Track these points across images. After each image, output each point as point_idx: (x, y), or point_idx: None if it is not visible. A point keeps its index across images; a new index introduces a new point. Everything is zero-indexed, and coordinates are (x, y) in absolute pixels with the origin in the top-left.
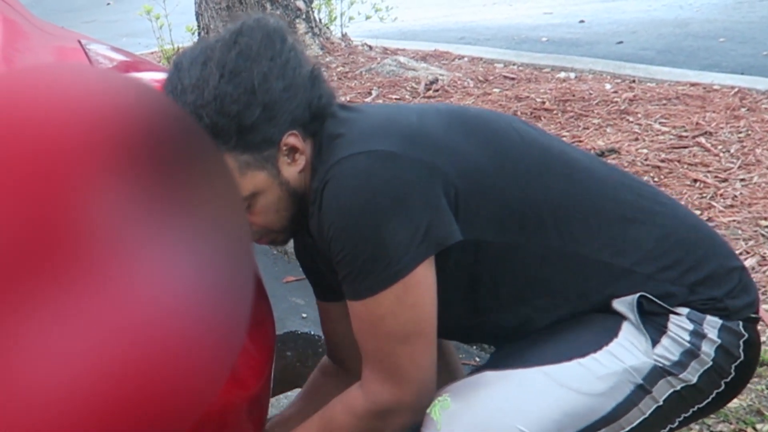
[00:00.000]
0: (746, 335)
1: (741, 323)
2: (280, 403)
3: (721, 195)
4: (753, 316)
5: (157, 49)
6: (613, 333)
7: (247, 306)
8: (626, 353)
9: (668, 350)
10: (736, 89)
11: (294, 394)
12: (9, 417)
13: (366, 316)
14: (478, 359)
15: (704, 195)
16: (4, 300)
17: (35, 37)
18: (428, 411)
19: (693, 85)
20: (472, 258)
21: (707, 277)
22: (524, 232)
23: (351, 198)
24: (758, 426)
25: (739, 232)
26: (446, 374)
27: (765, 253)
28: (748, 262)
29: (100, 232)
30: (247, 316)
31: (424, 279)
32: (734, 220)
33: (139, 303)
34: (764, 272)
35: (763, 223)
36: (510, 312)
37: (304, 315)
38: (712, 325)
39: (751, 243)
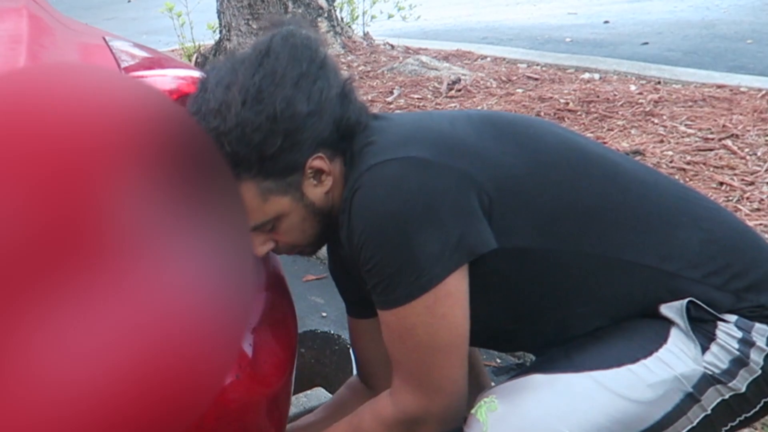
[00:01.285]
0: None
1: None
2: (299, 402)
3: (747, 198)
4: None
5: (178, 46)
6: (662, 339)
7: (246, 309)
8: (676, 360)
9: (717, 358)
10: (763, 91)
11: (314, 393)
12: (19, 413)
13: (396, 326)
14: (499, 360)
15: (730, 198)
16: (15, 300)
17: (60, 33)
18: (473, 411)
19: (719, 87)
20: (511, 265)
21: (754, 283)
22: (563, 238)
23: (381, 205)
24: None
25: (766, 236)
26: (469, 377)
27: None
28: None
29: (111, 233)
30: (246, 318)
31: (455, 289)
32: (761, 224)
33: (146, 303)
34: None
35: None
36: (550, 319)
37: (324, 314)
38: (760, 333)
39: None
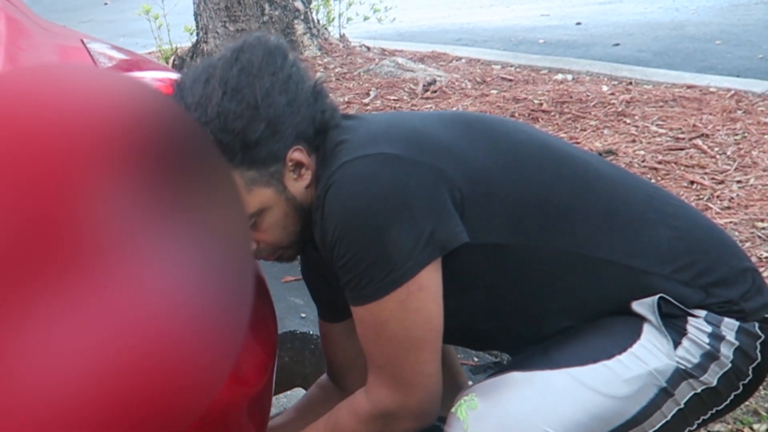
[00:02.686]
0: (763, 336)
1: (757, 324)
2: (279, 402)
3: (717, 197)
4: None
5: (156, 49)
6: (635, 335)
7: (247, 309)
8: (650, 355)
9: (689, 352)
10: (732, 92)
11: (293, 393)
12: (14, 414)
13: (370, 321)
14: (476, 359)
15: (701, 197)
16: (9, 299)
17: (38, 35)
18: (453, 410)
19: (689, 87)
20: (484, 261)
21: (722, 278)
22: (535, 234)
23: (353, 201)
24: (755, 426)
25: (736, 234)
26: (446, 376)
27: (762, 255)
28: None
29: (104, 233)
30: (247, 319)
31: (428, 283)
32: (731, 222)
33: (142, 304)
34: (762, 273)
35: (760, 225)
36: (524, 316)
37: (303, 314)
38: (729, 327)
39: (747, 245)
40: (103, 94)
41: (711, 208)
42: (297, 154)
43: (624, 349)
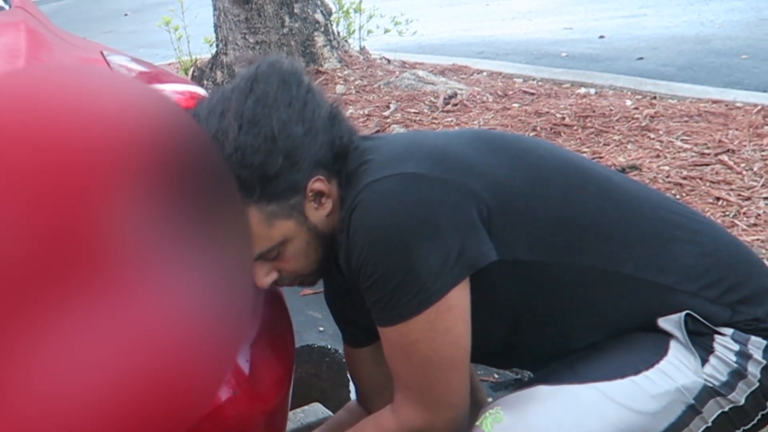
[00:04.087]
0: None
1: None
2: (296, 417)
3: (744, 213)
4: None
5: (175, 60)
6: (662, 351)
7: (244, 322)
8: (677, 372)
9: (717, 370)
10: (759, 107)
11: (311, 408)
12: (25, 416)
13: (398, 342)
14: (497, 375)
15: (727, 213)
16: (19, 306)
17: (58, 47)
18: (478, 423)
19: (715, 102)
20: (511, 278)
21: (748, 296)
22: (561, 251)
23: (380, 221)
24: None
25: (763, 251)
26: None
27: None
28: None
29: (112, 242)
30: (243, 331)
31: (457, 303)
32: (758, 239)
33: (148, 314)
34: None
35: None
36: (549, 333)
37: (321, 328)
38: (756, 345)
39: None
40: (127, 102)
41: (737, 225)
42: (317, 185)
43: (651, 365)
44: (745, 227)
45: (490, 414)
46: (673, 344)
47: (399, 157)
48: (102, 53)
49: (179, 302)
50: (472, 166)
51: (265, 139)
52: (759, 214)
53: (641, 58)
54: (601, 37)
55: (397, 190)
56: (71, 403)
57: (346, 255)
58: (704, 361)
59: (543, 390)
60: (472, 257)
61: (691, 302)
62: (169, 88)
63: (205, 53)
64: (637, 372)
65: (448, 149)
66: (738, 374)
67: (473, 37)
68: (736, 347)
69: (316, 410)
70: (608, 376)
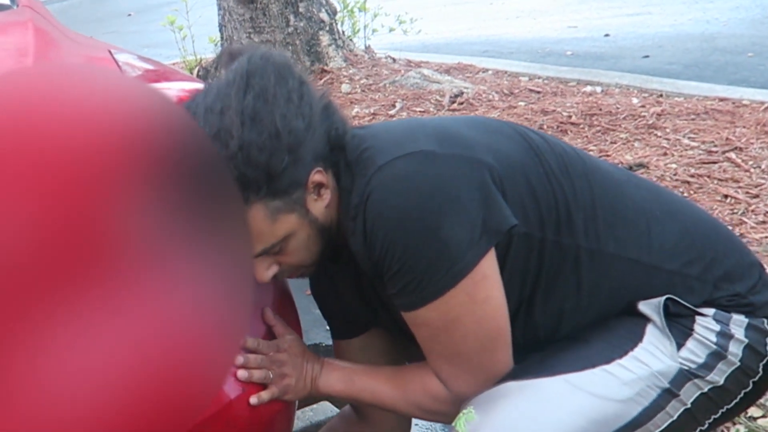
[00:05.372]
0: None
1: (766, 321)
2: (306, 416)
3: (752, 211)
4: None
5: (180, 60)
6: (637, 337)
7: (243, 321)
8: (652, 357)
9: (694, 353)
10: (766, 104)
11: (319, 407)
12: (29, 416)
13: (438, 320)
14: None
15: (735, 211)
16: (21, 306)
17: (66, 46)
18: (453, 424)
19: (722, 100)
20: (518, 250)
21: (729, 271)
22: (552, 228)
23: (401, 204)
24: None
25: None
26: None
27: None
28: None
29: (118, 242)
30: (243, 331)
31: (489, 272)
32: (766, 237)
33: (149, 313)
34: None
35: None
36: (541, 314)
37: (328, 327)
38: (738, 324)
39: None
40: (126, 101)
41: (746, 223)
42: (317, 176)
43: (625, 353)
44: (753, 225)
45: (463, 414)
46: (649, 329)
47: (403, 139)
48: (110, 51)
49: (180, 302)
50: (476, 141)
51: (270, 136)
52: (767, 212)
53: (647, 57)
54: (606, 35)
55: (412, 170)
56: (74, 401)
57: (362, 241)
58: (681, 345)
59: (511, 386)
60: (495, 224)
61: (674, 280)
62: (176, 87)
63: (210, 53)
64: (609, 361)
65: (449, 129)
66: (717, 355)
67: (478, 36)
68: (717, 327)
69: (324, 408)
70: (578, 367)
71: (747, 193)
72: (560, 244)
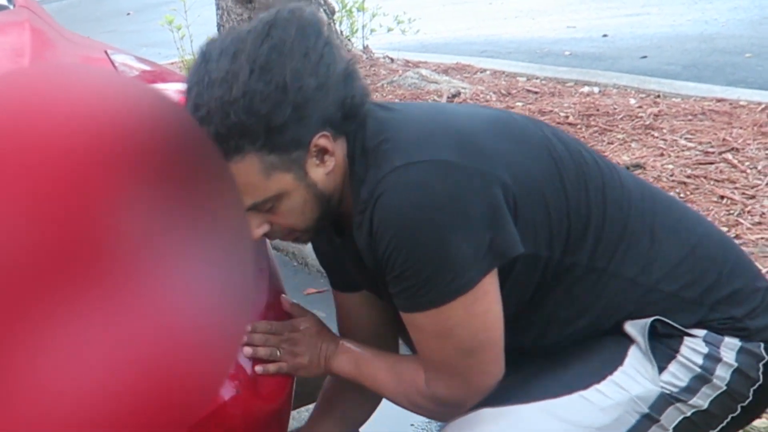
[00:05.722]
0: (766, 358)
1: (763, 345)
2: (301, 416)
3: (748, 212)
4: None
5: (178, 59)
6: (618, 361)
7: (245, 316)
8: (631, 382)
9: (676, 376)
10: (763, 105)
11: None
12: (27, 416)
13: (432, 328)
14: None
15: (731, 212)
16: (17, 306)
17: (62, 46)
18: None
19: (719, 100)
20: (523, 271)
21: (730, 294)
22: (559, 247)
23: (412, 213)
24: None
25: (767, 249)
26: None
27: None
28: None
29: (110, 240)
30: (244, 325)
31: (490, 287)
32: (762, 238)
33: (146, 310)
34: None
35: None
36: (529, 326)
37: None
38: (730, 347)
39: None
40: (118, 98)
41: (741, 224)
42: (322, 141)
43: (603, 377)
44: (749, 225)
45: None
46: (632, 351)
47: (423, 140)
48: (106, 52)
49: (178, 298)
50: (497, 152)
51: (276, 88)
52: (763, 213)
53: (645, 57)
54: (605, 35)
55: (427, 179)
56: (73, 401)
57: (367, 238)
58: (662, 369)
59: (487, 413)
60: (502, 247)
61: (670, 301)
62: (172, 87)
63: None
64: (586, 386)
65: (471, 134)
66: (701, 379)
67: (476, 36)
68: (706, 350)
69: None
70: (555, 393)
71: (743, 194)
72: (564, 262)
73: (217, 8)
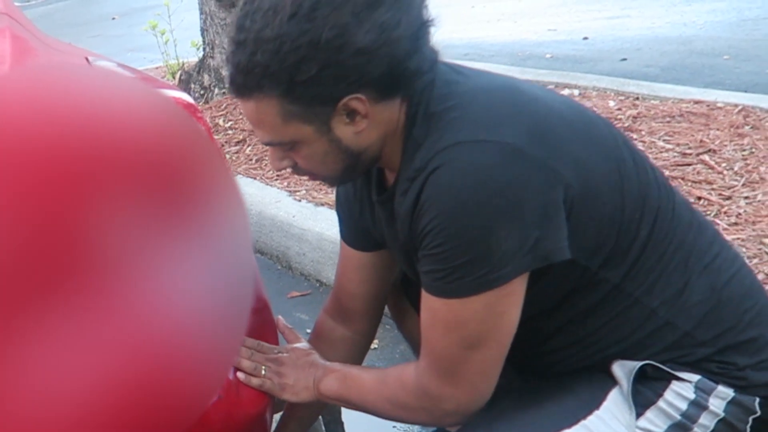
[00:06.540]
0: (759, 413)
1: (759, 400)
2: None
3: (725, 213)
4: None
5: (162, 64)
6: (595, 404)
7: (242, 328)
8: (605, 428)
9: (653, 422)
10: (740, 107)
11: None
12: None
13: (445, 316)
14: None
15: (708, 213)
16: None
17: (43, 53)
18: None
19: (697, 102)
20: (555, 276)
21: (743, 342)
22: (603, 261)
23: (466, 195)
24: None
25: (743, 250)
26: None
27: None
28: None
29: (107, 247)
30: (241, 337)
31: (518, 289)
32: (738, 238)
33: (141, 318)
34: None
35: (767, 241)
36: (539, 327)
37: (309, 330)
38: (721, 396)
39: (755, 261)
40: (113, 97)
41: (718, 225)
42: (354, 103)
43: (576, 421)
44: (726, 226)
45: None
46: (612, 394)
47: (496, 118)
48: (87, 59)
49: (171, 305)
50: (567, 146)
51: (310, 42)
52: (740, 213)
53: (625, 59)
54: (585, 38)
55: (489, 162)
56: (63, 407)
57: (411, 210)
58: (640, 415)
59: None
60: (547, 249)
61: (681, 338)
62: None
63: (192, 57)
64: (557, 429)
65: (547, 122)
66: (680, 427)
67: (459, 39)
68: (692, 396)
69: None
70: None
71: (720, 194)
72: (598, 276)
73: (201, 12)
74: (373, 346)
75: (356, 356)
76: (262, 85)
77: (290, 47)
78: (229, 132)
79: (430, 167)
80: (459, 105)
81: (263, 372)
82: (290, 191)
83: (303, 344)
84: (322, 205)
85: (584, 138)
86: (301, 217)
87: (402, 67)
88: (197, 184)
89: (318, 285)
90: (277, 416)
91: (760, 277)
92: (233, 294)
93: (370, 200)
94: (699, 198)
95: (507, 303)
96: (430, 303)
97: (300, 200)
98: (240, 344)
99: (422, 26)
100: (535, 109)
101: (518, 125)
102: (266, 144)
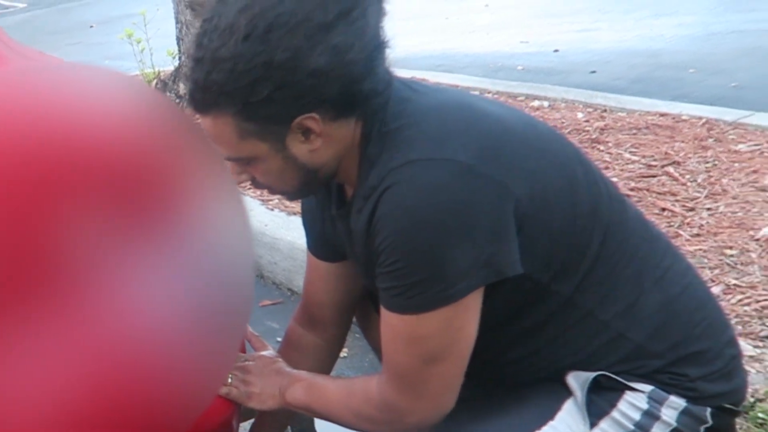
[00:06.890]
0: (710, 423)
1: (710, 410)
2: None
3: (688, 224)
4: (729, 407)
5: (138, 72)
6: (549, 414)
7: (234, 340)
8: None
9: None
10: (704, 120)
11: None
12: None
13: (404, 332)
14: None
15: (672, 224)
16: None
17: (16, 64)
18: None
19: (662, 115)
20: (507, 290)
21: (694, 354)
22: (555, 274)
23: (420, 213)
24: None
25: (705, 260)
26: None
27: (730, 282)
28: (713, 291)
29: (78, 256)
30: (238, 343)
31: (473, 303)
32: (700, 249)
33: (111, 327)
34: (728, 300)
35: (728, 252)
36: (496, 339)
37: (279, 339)
38: (673, 406)
39: (716, 272)
40: (94, 94)
41: (681, 235)
42: (309, 122)
43: None
44: (688, 237)
45: None
46: (567, 405)
47: (447, 135)
48: None
49: (149, 317)
50: (520, 165)
51: (264, 63)
52: (702, 225)
53: (594, 72)
54: (556, 51)
55: (440, 181)
56: (25, 419)
57: (366, 228)
58: (594, 425)
59: None
60: (500, 264)
61: (633, 350)
62: None
63: (168, 65)
64: None
65: (498, 138)
66: None
67: (433, 51)
68: (645, 406)
69: None
70: None
71: (683, 206)
72: (550, 288)
73: (177, 22)
74: (342, 354)
75: (326, 363)
76: (219, 103)
77: (244, 68)
78: None
79: (383, 186)
80: (412, 123)
81: (230, 380)
82: (263, 200)
83: (269, 352)
84: (295, 214)
85: (536, 152)
86: (273, 225)
87: (356, 89)
88: (183, 187)
89: (290, 294)
90: (245, 425)
91: (721, 287)
92: (221, 304)
93: (331, 213)
94: (663, 209)
95: (464, 318)
96: (388, 319)
97: (272, 209)
98: (234, 356)
99: (377, 48)
100: (488, 125)
101: (470, 142)
102: (225, 159)
